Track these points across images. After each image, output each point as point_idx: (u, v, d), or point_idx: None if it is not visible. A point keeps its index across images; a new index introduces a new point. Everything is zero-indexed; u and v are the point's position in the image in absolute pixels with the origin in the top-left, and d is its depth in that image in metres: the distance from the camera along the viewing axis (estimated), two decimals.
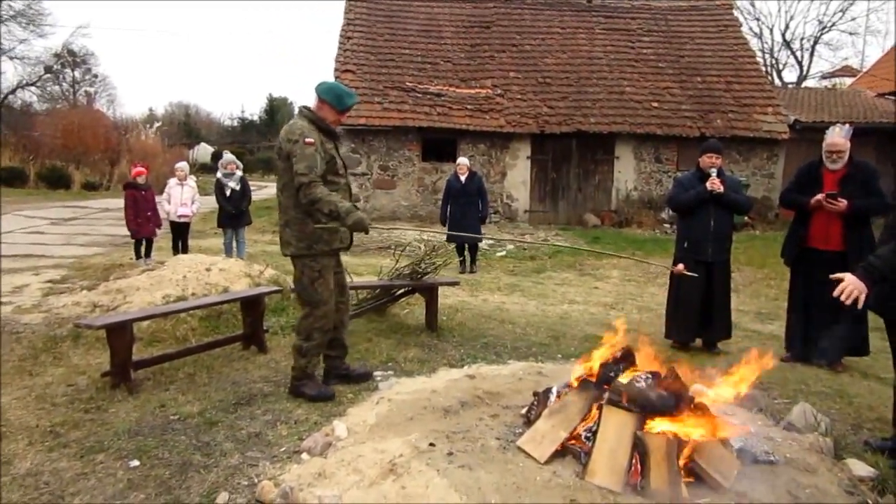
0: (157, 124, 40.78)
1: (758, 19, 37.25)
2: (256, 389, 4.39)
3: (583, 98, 17.22)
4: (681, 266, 5.23)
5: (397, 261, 6.42)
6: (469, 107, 16.62)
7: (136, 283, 6.58)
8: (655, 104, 17.19)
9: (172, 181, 9.79)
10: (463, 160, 10.18)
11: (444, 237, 10.24)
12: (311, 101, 4.33)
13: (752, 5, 42.13)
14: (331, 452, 3.22)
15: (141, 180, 9.64)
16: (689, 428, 2.85)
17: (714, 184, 5.44)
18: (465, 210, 9.70)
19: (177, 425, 3.78)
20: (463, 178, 9.82)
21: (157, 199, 9.74)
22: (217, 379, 4.62)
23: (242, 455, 3.39)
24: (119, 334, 4.34)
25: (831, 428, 3.57)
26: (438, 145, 16.64)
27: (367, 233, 4.13)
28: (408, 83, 16.99)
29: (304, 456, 3.28)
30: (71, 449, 3.46)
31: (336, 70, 17.06)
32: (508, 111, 16.70)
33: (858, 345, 5.24)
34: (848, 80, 26.66)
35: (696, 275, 4.45)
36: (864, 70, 26.35)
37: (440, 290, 6.28)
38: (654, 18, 19.84)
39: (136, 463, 3.30)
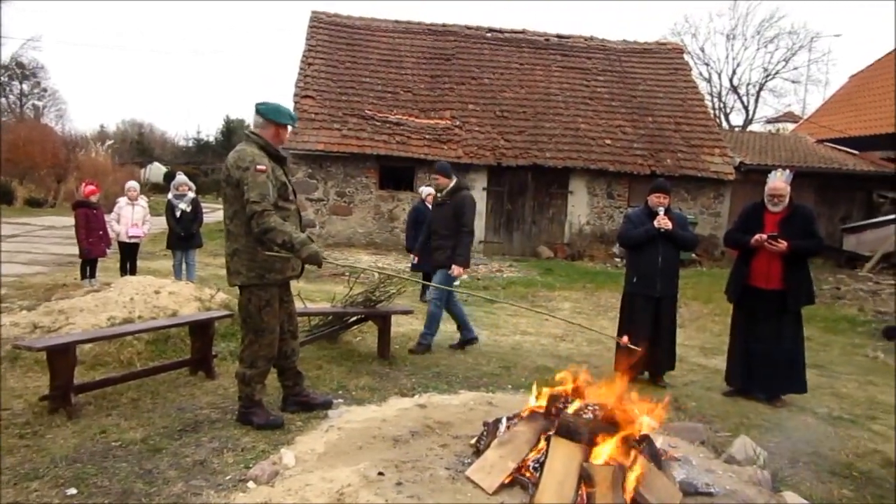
0: (108, 142, 39.90)
1: (707, 64, 38.61)
2: (203, 416, 4.31)
3: (539, 132, 17.59)
4: (625, 338, 5.34)
5: (351, 288, 6.41)
6: (427, 136, 16.80)
7: (79, 305, 6.39)
8: (609, 141, 17.67)
9: (122, 201, 9.59)
10: (429, 189, 10.18)
11: (402, 267, 10.16)
12: (254, 125, 4.19)
13: (702, 50, 43.88)
14: (278, 481, 3.18)
15: (93, 199, 9.42)
16: (633, 459, 2.91)
17: (662, 222, 5.63)
18: None
19: (118, 452, 3.68)
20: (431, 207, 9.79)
21: (107, 218, 9.52)
22: (162, 405, 4.52)
23: (186, 483, 3.32)
24: (60, 357, 4.22)
25: (769, 461, 3.69)
26: (396, 173, 16.74)
27: (320, 266, 4.12)
28: (367, 111, 17.09)
29: (251, 485, 3.23)
30: (3, 476, 3.33)
31: (296, 95, 17.06)
32: (466, 142, 16.93)
33: (796, 381, 5.43)
34: (790, 126, 27.84)
35: (639, 349, 4.60)
36: (806, 117, 27.61)
37: (393, 318, 6.28)
38: (608, 59, 20.48)
39: (73, 491, 3.20)
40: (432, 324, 6.45)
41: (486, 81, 18.94)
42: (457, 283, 11.80)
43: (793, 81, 37.90)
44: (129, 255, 9.64)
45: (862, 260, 16.17)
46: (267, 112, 4.12)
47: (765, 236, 5.26)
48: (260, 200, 3.85)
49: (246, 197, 3.87)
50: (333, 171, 16.51)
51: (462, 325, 6.69)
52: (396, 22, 20.56)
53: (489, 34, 20.58)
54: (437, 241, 6.38)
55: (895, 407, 5.59)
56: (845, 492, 3.72)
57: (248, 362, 4.12)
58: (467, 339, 6.68)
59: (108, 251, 9.55)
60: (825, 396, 5.93)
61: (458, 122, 17.44)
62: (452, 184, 6.38)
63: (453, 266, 6.20)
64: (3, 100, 39.58)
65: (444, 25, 20.64)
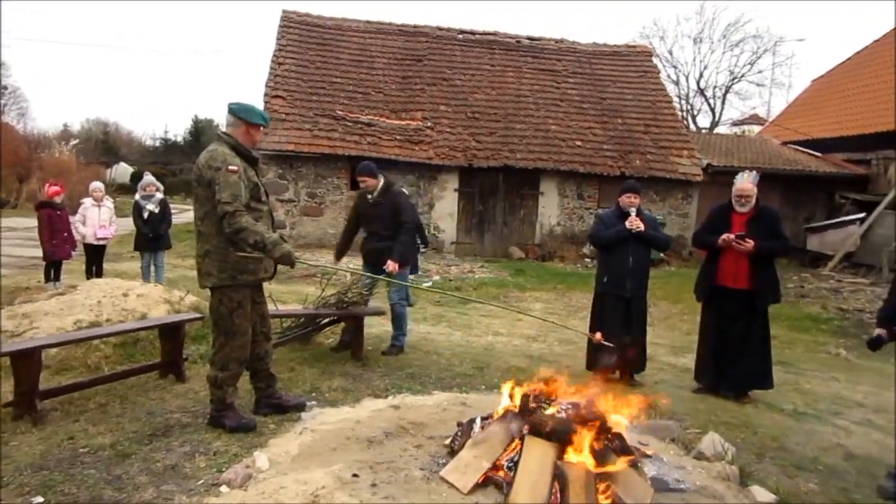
0: (72, 141, 39.09)
1: (675, 67, 39.13)
2: (174, 420, 4.25)
3: (510, 134, 17.68)
4: (598, 335, 5.41)
5: (323, 289, 6.38)
6: (399, 137, 16.78)
7: (44, 308, 6.26)
8: (579, 143, 17.84)
9: (88, 202, 9.40)
10: (404, 191, 10.10)
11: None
12: (226, 124, 4.18)
13: (670, 53, 44.52)
14: (251, 485, 3.15)
15: (57, 199, 9.22)
16: (606, 457, 2.95)
17: (633, 222, 5.70)
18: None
19: (86, 458, 3.61)
20: None
21: (72, 219, 9.33)
22: (131, 409, 4.44)
23: (157, 489, 3.27)
24: (25, 362, 4.13)
25: (737, 456, 3.76)
26: None
27: (292, 266, 4.09)
28: (338, 111, 17.01)
29: (224, 489, 3.19)
30: None
31: (266, 95, 16.90)
32: (438, 143, 16.95)
33: (763, 378, 5.55)
34: (756, 128, 28.42)
35: (612, 345, 4.66)
36: (770, 119, 28.18)
37: (366, 319, 6.26)
38: (578, 61, 20.67)
39: (40, 499, 3.13)
40: (402, 324, 6.42)
41: (457, 83, 18.97)
42: (428, 283, 11.84)
43: (758, 84, 38.62)
44: (96, 258, 9.46)
45: (825, 259, 16.57)
46: (239, 111, 4.09)
47: (732, 236, 5.36)
48: (231, 201, 3.81)
49: (217, 197, 3.83)
50: (304, 172, 16.39)
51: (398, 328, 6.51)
52: (368, 22, 20.49)
53: (461, 35, 20.62)
54: (377, 243, 6.09)
55: None
56: (811, 485, 3.82)
57: (219, 365, 4.08)
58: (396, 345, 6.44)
59: (73, 253, 9.37)
60: (790, 393, 6.07)
61: (429, 123, 17.45)
62: (382, 183, 6.11)
63: (388, 262, 5.87)
64: None
65: (415, 26, 20.63)
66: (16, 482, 3.29)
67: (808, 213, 18.85)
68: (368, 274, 6.09)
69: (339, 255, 6.35)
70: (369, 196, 6.10)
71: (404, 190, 9.97)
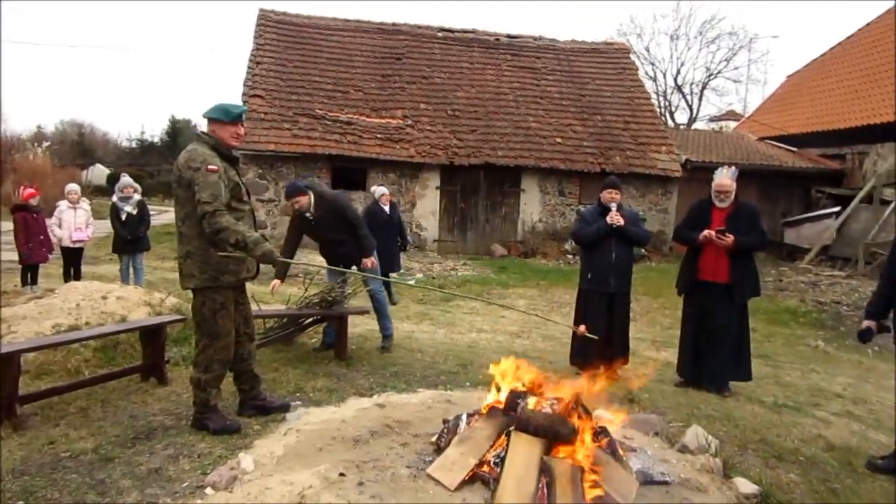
0: (45, 143, 38.50)
1: (652, 64, 39.50)
2: (156, 423, 4.21)
3: (491, 132, 17.71)
4: (583, 328, 5.43)
5: (306, 289, 6.35)
6: (379, 136, 16.74)
7: (21, 312, 6.16)
8: (559, 140, 17.92)
9: (63, 204, 9.27)
10: (384, 189, 10.08)
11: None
12: (205, 126, 4.15)
13: (647, 50, 44.90)
14: (237, 486, 3.13)
15: (33, 202, 9.08)
16: (591, 452, 2.98)
17: (614, 218, 5.73)
18: (391, 242, 9.51)
19: (68, 463, 3.57)
20: (387, 208, 9.73)
21: (48, 222, 9.20)
22: (113, 413, 4.39)
23: (141, 492, 3.24)
24: (4, 366, 4.06)
25: (720, 449, 3.81)
26: (348, 173, 16.62)
27: (275, 265, 4.07)
28: (318, 110, 16.92)
29: (209, 491, 3.17)
30: None
31: (244, 94, 16.77)
32: (418, 141, 16.93)
33: (742, 371, 5.62)
34: (733, 124, 28.75)
35: (596, 338, 4.69)
36: (747, 115, 28.52)
37: (349, 318, 6.24)
38: (557, 58, 20.76)
39: None
40: (384, 308, 6.44)
41: (437, 81, 18.97)
42: (411, 280, 11.83)
43: (734, 81, 39.29)
44: (73, 261, 9.33)
45: (802, 253, 16.82)
46: (213, 113, 4.04)
47: (713, 232, 5.43)
48: (211, 201, 3.78)
49: (197, 197, 3.79)
50: (285, 172, 16.29)
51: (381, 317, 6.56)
52: (346, 21, 20.41)
53: (440, 34, 20.62)
54: (338, 249, 6.07)
55: None
56: (792, 476, 3.87)
57: (202, 367, 4.05)
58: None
59: (49, 256, 9.24)
60: (770, 385, 6.15)
61: (409, 122, 17.43)
62: (313, 197, 5.97)
63: (364, 260, 5.95)
64: None
65: (394, 25, 20.59)
66: None
67: (784, 207, 19.12)
68: (350, 271, 6.04)
69: (283, 275, 5.98)
70: (307, 214, 5.93)
71: (378, 189, 9.96)
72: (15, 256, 9.13)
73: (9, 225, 9.47)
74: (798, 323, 10.00)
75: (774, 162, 19.12)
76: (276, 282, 5.79)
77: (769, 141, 21.43)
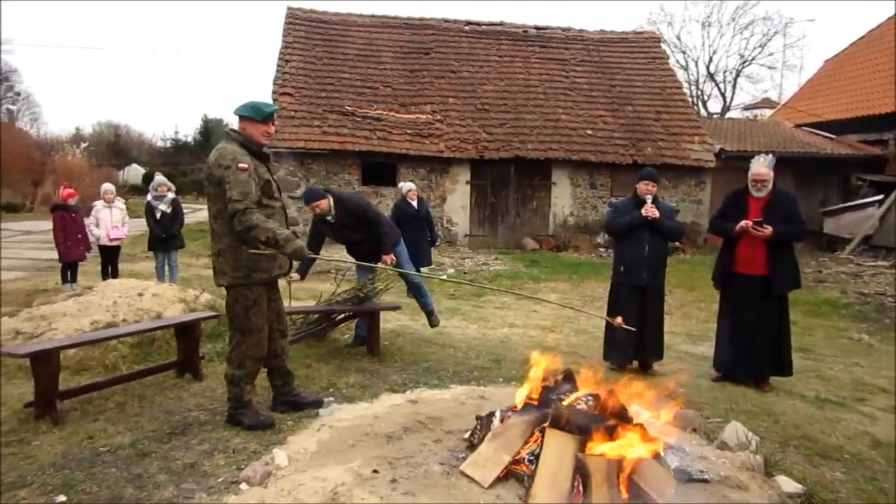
0: (83, 144, 39.38)
1: (684, 52, 38.84)
2: (192, 418, 4.26)
3: (520, 125, 17.59)
4: (619, 319, 5.33)
5: (338, 285, 6.37)
6: (409, 131, 16.73)
7: (61, 309, 6.29)
8: (589, 132, 17.72)
9: (99, 204, 9.44)
10: (411, 185, 10.07)
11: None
12: (236, 124, 4.16)
13: (678, 39, 44.18)
14: (271, 482, 3.14)
15: (72, 202, 9.28)
16: (627, 448, 2.92)
17: (649, 210, 5.63)
18: (420, 236, 9.52)
19: (106, 457, 3.62)
20: (415, 204, 9.73)
21: (85, 221, 9.38)
22: (149, 408, 4.45)
23: (177, 487, 3.27)
24: (44, 363, 4.15)
25: (761, 446, 3.71)
26: (378, 169, 16.66)
27: (305, 261, 4.06)
28: (347, 107, 16.98)
29: (243, 486, 3.19)
30: None
31: (274, 93, 16.90)
32: (448, 136, 16.89)
33: (782, 365, 5.48)
34: (768, 112, 28.12)
35: (633, 329, 4.61)
36: (783, 102, 27.87)
37: (381, 314, 6.24)
38: (586, 49, 20.52)
39: (62, 498, 3.14)
40: (421, 288, 6.57)
41: (465, 75, 18.89)
42: (443, 276, 11.82)
43: (769, 67, 38.33)
44: (110, 258, 9.51)
45: (842, 243, 16.39)
46: (244, 111, 4.06)
47: (750, 223, 5.29)
48: (241, 198, 3.79)
49: (228, 195, 3.81)
50: (315, 168, 16.40)
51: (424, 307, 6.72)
52: (373, 16, 20.43)
53: (467, 27, 20.52)
54: (362, 247, 6.10)
55: None
56: (837, 474, 3.76)
57: (236, 363, 4.07)
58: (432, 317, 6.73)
59: (87, 255, 9.43)
60: (812, 379, 5.99)
61: (438, 117, 17.39)
62: (331, 200, 5.99)
63: (383, 257, 5.95)
64: None
65: (421, 19, 20.55)
66: (38, 481, 3.31)
67: (822, 196, 18.65)
68: (379, 266, 6.01)
69: (304, 271, 6.05)
70: (328, 218, 5.98)
71: (405, 185, 9.95)
72: (55, 255, 9.33)
73: (49, 224, 9.68)
74: (840, 315, 9.73)
75: (812, 149, 18.65)
76: (296, 276, 5.81)
77: (806, 128, 20.91)
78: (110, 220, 9.36)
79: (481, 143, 16.94)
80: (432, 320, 6.70)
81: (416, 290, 6.66)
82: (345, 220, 6.03)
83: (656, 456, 2.99)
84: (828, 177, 18.67)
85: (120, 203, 9.72)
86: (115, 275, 9.30)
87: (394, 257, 6.00)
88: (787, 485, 3.16)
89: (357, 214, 6.03)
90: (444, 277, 11.35)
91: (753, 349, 5.45)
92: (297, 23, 19.30)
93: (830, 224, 17.47)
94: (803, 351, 6.94)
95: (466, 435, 3.34)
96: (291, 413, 4.30)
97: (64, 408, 4.26)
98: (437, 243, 10.82)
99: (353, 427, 3.70)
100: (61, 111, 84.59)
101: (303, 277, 5.92)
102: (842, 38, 56.76)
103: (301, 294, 8.44)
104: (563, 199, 17.55)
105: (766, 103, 32.10)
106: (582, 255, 15.89)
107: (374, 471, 2.99)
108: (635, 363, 5.87)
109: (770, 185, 5.43)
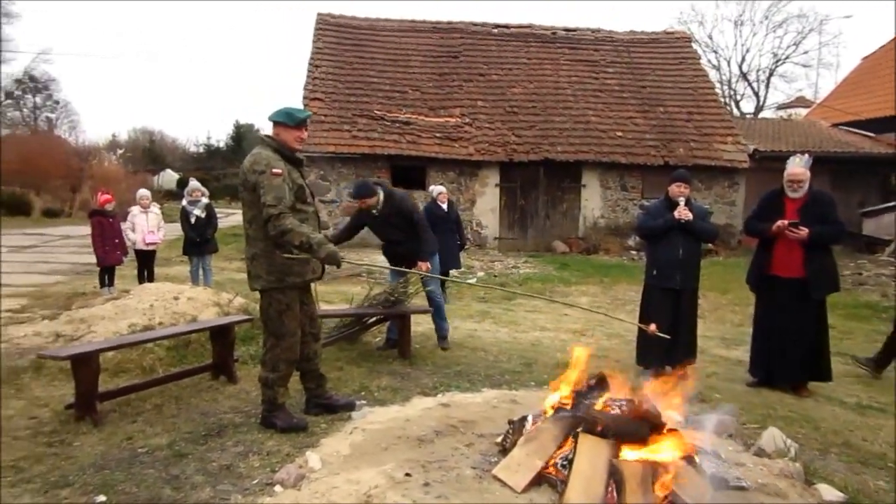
0: (119, 150, 40.24)
1: (715, 52, 38.33)
2: (227, 420, 4.31)
3: (549, 127, 17.51)
4: (653, 326, 5.26)
5: (370, 289, 6.40)
6: (438, 135, 16.78)
7: (100, 313, 6.44)
8: (620, 133, 17.57)
9: (135, 209, 9.63)
10: (441, 188, 10.09)
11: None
12: (270, 130, 4.25)
13: (710, 38, 43.60)
14: (304, 484, 3.17)
15: (108, 207, 9.48)
16: (662, 454, 2.88)
17: (682, 213, 5.55)
18: (448, 239, 9.46)
19: (144, 458, 3.69)
20: (444, 207, 9.73)
21: (122, 226, 9.58)
22: (185, 410, 4.53)
23: (213, 488, 3.32)
24: (85, 365, 4.24)
25: (800, 453, 3.63)
26: (407, 173, 16.72)
27: (339, 266, 4.10)
28: (376, 111, 17.09)
29: (277, 488, 3.22)
30: (34, 484, 3.35)
31: (304, 98, 17.10)
32: (477, 139, 16.89)
33: (821, 370, 5.36)
34: (803, 111, 27.55)
35: (667, 337, 4.54)
36: (818, 101, 27.32)
37: (412, 317, 6.26)
38: (616, 50, 20.36)
39: (102, 498, 3.20)
40: (441, 310, 6.50)
41: (494, 77, 18.88)
42: (472, 279, 11.80)
43: (804, 66, 37.52)
44: (146, 263, 9.69)
45: (882, 244, 15.99)
46: (277, 117, 4.12)
47: (786, 223, 5.19)
48: (276, 203, 3.84)
49: (262, 200, 3.86)
50: (345, 173, 16.52)
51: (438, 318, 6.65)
52: (402, 21, 20.55)
53: (496, 30, 20.52)
54: (399, 247, 6.10)
55: None
56: (881, 483, 3.65)
57: (270, 366, 4.12)
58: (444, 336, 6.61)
59: (124, 259, 9.61)
60: (852, 385, 5.85)
61: (467, 120, 17.41)
62: (382, 196, 5.97)
63: (420, 263, 5.90)
64: (17, 113, 40.02)
65: (449, 23, 20.60)
66: (79, 481, 3.38)
67: (861, 196, 18.22)
68: (409, 270, 6.02)
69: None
70: (374, 211, 5.97)
71: (436, 188, 9.96)
72: (93, 259, 9.54)
73: (87, 229, 9.91)
74: (879, 318, 9.47)
75: (850, 148, 18.24)
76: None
77: (843, 127, 20.47)
78: (146, 225, 9.54)
79: (510, 145, 16.91)
80: (441, 343, 6.50)
81: (436, 311, 6.47)
82: (391, 218, 6.02)
83: (691, 462, 2.95)
84: (866, 177, 18.24)
85: (155, 208, 9.91)
86: (150, 278, 9.48)
87: (430, 266, 5.99)
88: (828, 493, 3.10)
89: (405, 215, 6.02)
90: (472, 282, 11.34)
91: (791, 354, 5.34)
92: (327, 28, 19.49)
93: (870, 225, 17.06)
94: (842, 355, 6.78)
95: (498, 439, 3.33)
96: (324, 416, 4.33)
97: (103, 409, 4.35)
98: (467, 247, 10.83)
99: (385, 430, 3.72)
100: (98, 119, 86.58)
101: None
102: (880, 35, 55.30)
103: (333, 297, 8.51)
104: (594, 201, 17.42)
105: (801, 102, 31.46)
106: (613, 258, 15.74)
107: (407, 474, 3.00)
108: (668, 368, 5.79)
109: (806, 186, 5.32)
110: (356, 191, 6.06)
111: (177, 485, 3.36)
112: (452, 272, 9.45)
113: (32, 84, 38.60)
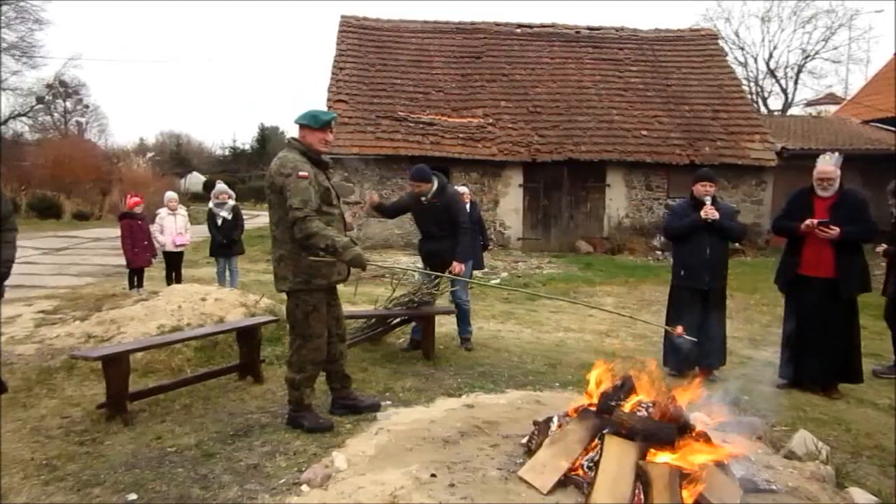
0: (148, 154, 40.88)
1: (742, 49, 37.71)
2: (253, 420, 4.36)
3: (573, 126, 17.42)
4: (680, 329, 5.20)
5: (394, 290, 6.43)
6: (461, 136, 16.78)
7: (129, 314, 6.54)
8: (644, 132, 17.41)
9: (163, 212, 9.78)
10: (465, 188, 10.11)
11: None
12: (296, 133, 4.28)
13: (737, 35, 42.98)
14: (331, 484, 3.19)
15: (137, 210, 9.64)
16: (690, 456, 2.85)
17: (709, 212, 5.49)
18: (472, 239, 9.50)
19: (174, 457, 3.75)
20: (468, 207, 9.72)
21: (151, 228, 9.73)
22: (213, 410, 4.59)
23: (241, 487, 3.36)
24: (115, 365, 4.31)
25: (831, 456, 3.57)
26: None
27: (364, 269, 4.12)
28: (400, 112, 17.15)
29: (304, 488, 3.24)
30: (67, 482, 3.42)
31: (329, 100, 17.21)
32: (500, 140, 16.86)
33: (852, 371, 5.27)
34: (832, 108, 27.06)
35: (695, 339, 4.48)
36: (849, 98, 26.80)
37: (436, 318, 6.27)
38: (640, 48, 20.18)
39: (133, 497, 3.26)
40: (466, 315, 6.54)
41: (517, 77, 18.83)
42: (496, 280, 11.78)
43: (833, 62, 36.91)
44: (174, 264, 9.83)
45: None
46: (303, 120, 4.15)
47: (815, 222, 5.11)
48: (302, 206, 3.87)
49: (288, 203, 3.90)
50: (369, 174, 16.60)
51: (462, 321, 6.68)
52: (425, 22, 20.58)
53: (518, 30, 20.46)
54: (435, 244, 6.17)
55: None
56: None
57: (296, 367, 4.16)
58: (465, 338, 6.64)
59: (153, 261, 9.76)
60: (884, 387, 5.74)
61: (490, 120, 17.38)
62: (436, 185, 6.05)
63: (454, 263, 5.94)
64: (49, 117, 40.84)
65: (472, 23, 20.58)
66: (110, 480, 3.44)
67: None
68: (437, 273, 6.05)
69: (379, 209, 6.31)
70: (423, 198, 6.03)
71: (459, 189, 9.95)
72: (122, 261, 9.70)
73: (116, 231, 10.07)
74: None
75: (881, 146, 17.86)
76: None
77: (875, 124, 20.05)
78: (174, 227, 9.68)
79: (534, 145, 16.86)
80: (466, 344, 6.54)
81: (460, 315, 6.53)
82: (435, 210, 6.08)
83: (720, 465, 2.91)
84: None
85: (182, 210, 10.05)
86: (178, 280, 9.61)
87: (462, 269, 6.02)
88: (861, 497, 3.04)
89: (451, 211, 6.08)
90: (496, 282, 11.31)
91: (821, 355, 5.25)
92: (351, 30, 19.60)
93: None
94: (874, 356, 6.65)
95: (524, 440, 3.32)
96: (349, 416, 4.36)
97: (133, 409, 4.43)
98: (490, 247, 10.82)
99: (410, 431, 3.72)
100: (126, 123, 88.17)
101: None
102: None
103: (357, 298, 8.55)
104: (618, 200, 17.29)
105: (830, 99, 30.89)
106: (637, 258, 15.60)
107: (432, 475, 3.01)
108: (696, 369, 5.73)
109: (836, 185, 5.24)
110: (414, 173, 6.13)
111: (205, 484, 3.40)
112: (475, 273, 9.43)
113: (63, 89, 39.34)
